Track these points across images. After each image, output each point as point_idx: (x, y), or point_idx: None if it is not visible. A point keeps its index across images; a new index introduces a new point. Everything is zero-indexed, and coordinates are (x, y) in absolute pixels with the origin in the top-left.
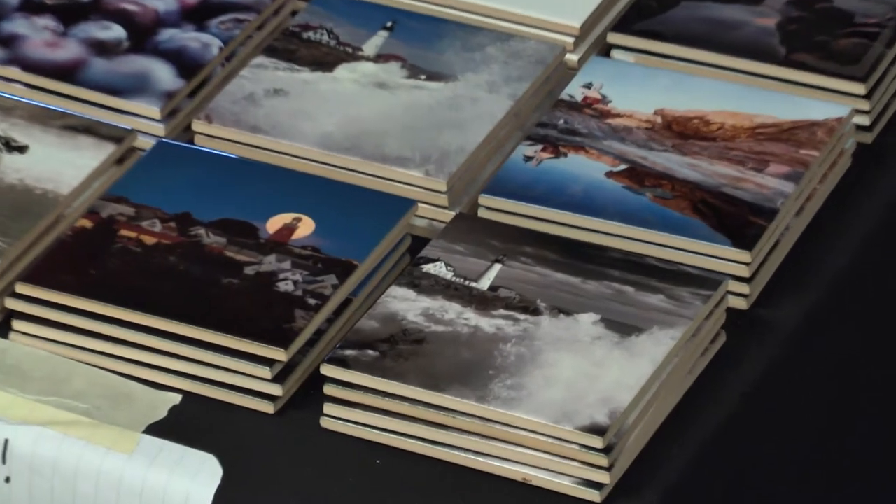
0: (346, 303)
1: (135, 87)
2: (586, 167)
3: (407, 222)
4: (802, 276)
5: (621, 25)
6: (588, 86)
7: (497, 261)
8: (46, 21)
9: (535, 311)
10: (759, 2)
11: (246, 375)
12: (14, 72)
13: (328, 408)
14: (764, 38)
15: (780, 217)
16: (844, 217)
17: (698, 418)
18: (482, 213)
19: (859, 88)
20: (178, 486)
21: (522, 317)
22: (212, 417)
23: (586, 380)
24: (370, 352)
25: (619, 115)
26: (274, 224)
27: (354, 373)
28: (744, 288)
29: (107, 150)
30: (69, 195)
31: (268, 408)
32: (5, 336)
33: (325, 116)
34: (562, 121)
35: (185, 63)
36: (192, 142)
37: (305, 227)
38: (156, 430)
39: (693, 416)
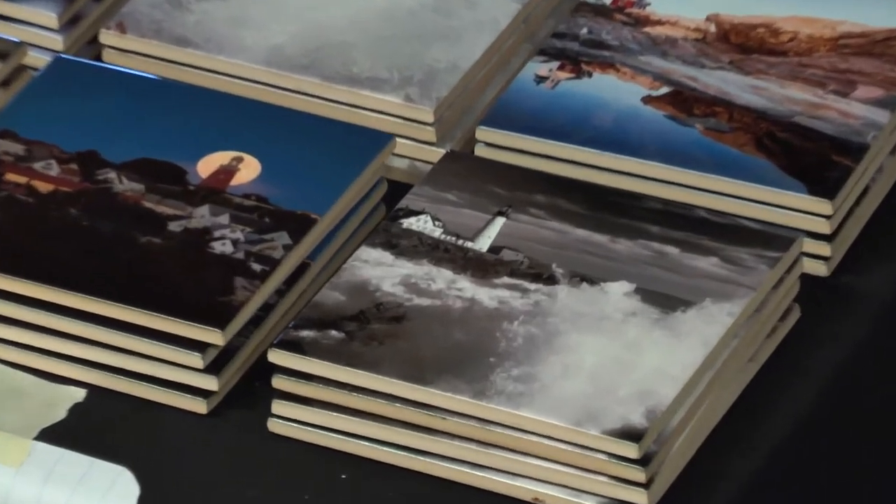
0: (301, 269)
1: None
2: (617, 90)
3: (381, 163)
4: None
5: None
6: None
7: (500, 213)
8: None
9: (550, 280)
10: None
11: (172, 365)
12: None
13: (278, 406)
14: None
15: (872, 155)
16: None
17: (765, 419)
18: (480, 150)
19: None
20: None
21: (533, 286)
22: (127, 419)
23: (617, 369)
24: (333, 332)
25: (659, 23)
26: (207, 166)
27: (312, 360)
28: (823, 248)
29: None
30: None
31: (200, 407)
32: None
33: (274, 25)
34: (585, 30)
35: None
36: (99, 58)
37: (248, 170)
38: (53, 435)
39: (757, 417)
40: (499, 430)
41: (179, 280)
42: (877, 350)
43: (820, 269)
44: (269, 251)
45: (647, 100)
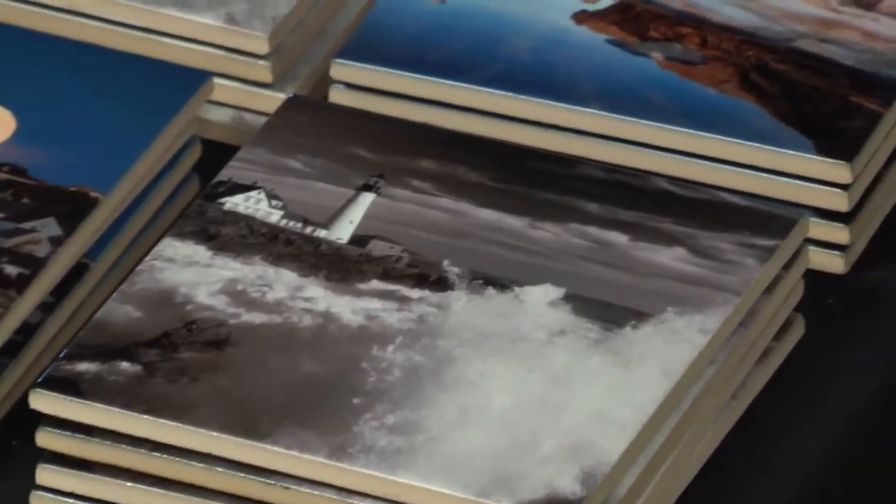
0: (78, 271)
1: None
2: (537, 4)
3: (193, 115)
4: None
5: None
6: None
7: (367, 188)
8: None
9: (441, 283)
10: None
11: None
12: None
13: (45, 474)
14: None
15: None
16: None
17: (755, 482)
18: (337, 94)
19: None
20: None
21: (417, 293)
22: None
23: (539, 413)
24: (125, 365)
25: None
26: None
27: (94, 405)
28: (839, 233)
29: None
30: None
31: None
32: None
33: None
34: None
35: None
36: None
37: None
38: None
39: (744, 478)
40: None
41: None
42: None
43: (835, 264)
44: (28, 247)
45: (582, 17)
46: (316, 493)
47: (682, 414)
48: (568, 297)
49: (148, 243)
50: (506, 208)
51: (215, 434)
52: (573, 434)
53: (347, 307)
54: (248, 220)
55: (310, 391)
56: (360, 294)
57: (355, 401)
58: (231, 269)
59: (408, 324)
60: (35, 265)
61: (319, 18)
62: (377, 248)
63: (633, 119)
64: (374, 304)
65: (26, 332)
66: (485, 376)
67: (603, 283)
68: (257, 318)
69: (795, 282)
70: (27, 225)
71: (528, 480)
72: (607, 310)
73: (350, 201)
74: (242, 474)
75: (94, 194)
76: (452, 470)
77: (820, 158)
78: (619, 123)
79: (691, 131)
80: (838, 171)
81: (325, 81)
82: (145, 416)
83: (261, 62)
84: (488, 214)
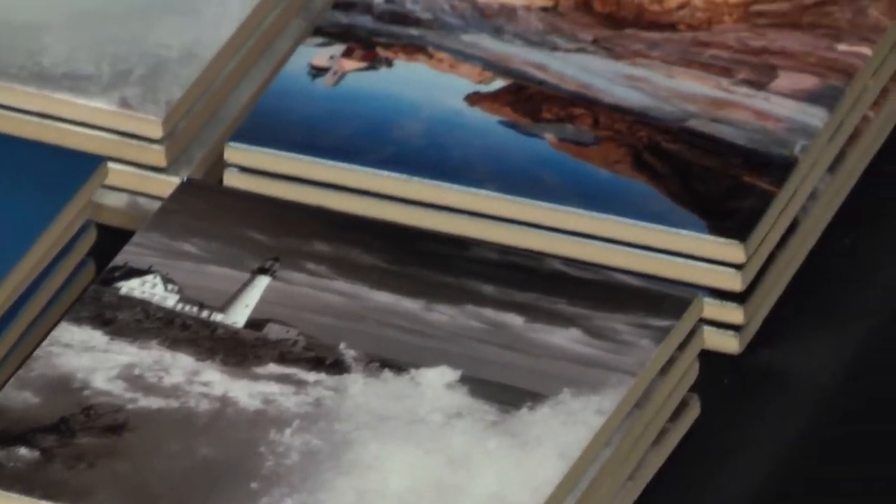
0: None
1: None
2: (430, 86)
3: (87, 200)
4: (844, 291)
5: None
6: None
7: (262, 271)
8: None
9: (338, 366)
10: None
11: None
12: None
13: None
14: None
15: (801, 175)
16: None
17: None
18: (232, 177)
19: None
20: None
21: (313, 377)
22: None
23: (437, 495)
24: (22, 451)
25: None
26: None
27: None
28: (734, 313)
29: None
30: None
31: None
32: None
33: None
34: None
35: None
36: None
37: None
38: None
39: None
40: None
41: None
42: (810, 460)
43: (730, 345)
44: None
45: (475, 99)
46: None
47: (578, 495)
48: (464, 380)
49: (44, 329)
50: (401, 291)
51: None
52: None
53: (244, 391)
54: (144, 305)
55: (207, 476)
56: (257, 378)
57: (253, 485)
58: (128, 353)
59: (305, 407)
60: None
61: (213, 102)
62: (273, 331)
63: (526, 200)
64: (271, 388)
65: None
66: (382, 459)
67: (499, 364)
68: (154, 402)
69: (690, 362)
70: None
71: None
72: (504, 391)
73: (246, 285)
74: None
75: None
76: None
77: (713, 238)
78: (512, 204)
79: (585, 212)
80: (731, 251)
81: (220, 165)
82: (43, 502)
83: (155, 146)
84: (384, 297)
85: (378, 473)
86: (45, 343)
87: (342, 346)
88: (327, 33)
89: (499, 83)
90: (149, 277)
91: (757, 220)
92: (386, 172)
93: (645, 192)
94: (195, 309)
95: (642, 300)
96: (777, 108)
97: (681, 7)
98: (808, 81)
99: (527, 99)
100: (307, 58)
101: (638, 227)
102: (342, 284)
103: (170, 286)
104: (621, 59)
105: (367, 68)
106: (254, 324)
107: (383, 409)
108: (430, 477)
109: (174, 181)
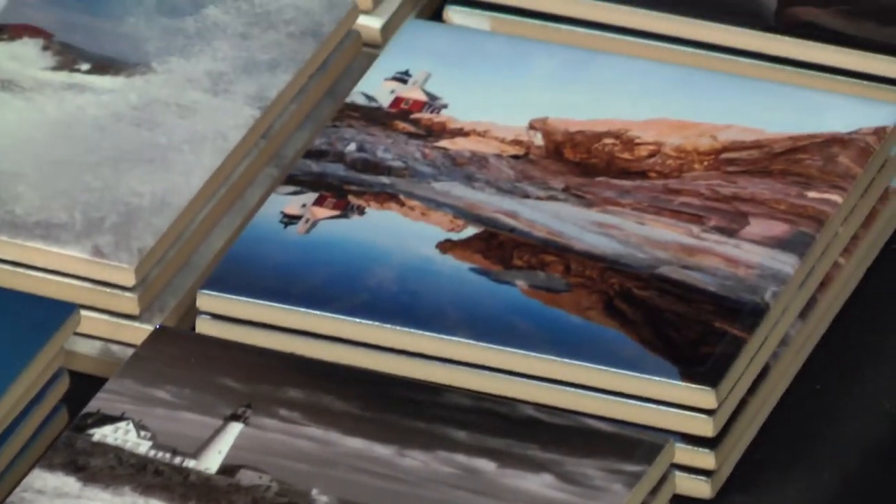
0: None
1: None
2: (401, 234)
3: (60, 347)
4: (816, 437)
5: None
6: (402, 76)
7: (235, 417)
8: None
9: None
10: None
11: None
12: None
13: None
14: None
15: (772, 321)
16: (891, 324)
17: None
18: (204, 325)
19: None
20: None
21: None
22: None
23: None
24: None
25: (462, 133)
26: None
27: None
28: (706, 460)
29: None
30: None
31: None
32: None
33: None
34: (353, 145)
35: None
36: None
37: None
38: None
39: None
40: None
41: None
42: None
43: (701, 489)
44: None
45: (447, 246)
46: None
47: None
48: None
49: (17, 475)
50: (373, 436)
51: None
52: None
53: None
54: (118, 452)
55: None
56: None
57: None
58: (101, 500)
59: None
60: None
61: (185, 250)
62: (246, 477)
63: (498, 347)
64: None
65: None
66: None
67: None
68: None
69: None
70: None
71: None
72: None
73: (218, 431)
74: None
75: None
76: None
77: (684, 384)
78: (484, 351)
79: (557, 359)
80: (703, 396)
81: (192, 312)
82: None
83: (127, 294)
84: (356, 443)
85: None
86: (18, 489)
87: (315, 491)
88: (299, 181)
89: (470, 231)
90: (122, 424)
91: (728, 367)
92: (358, 319)
93: (617, 339)
94: (168, 455)
95: (615, 445)
96: (748, 255)
97: (651, 155)
98: (778, 228)
99: (498, 246)
100: (279, 206)
101: (610, 374)
102: (315, 430)
103: (143, 433)
104: (592, 206)
105: (339, 216)
106: (227, 470)
107: None
108: None
109: (147, 329)
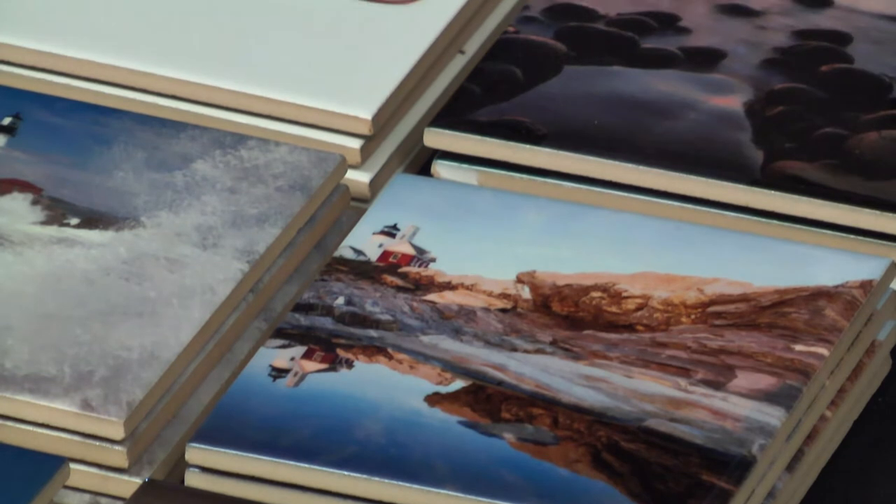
0: None
1: None
2: (389, 387)
3: (49, 500)
4: None
5: (448, 116)
6: (391, 231)
7: None
8: None
9: None
10: (712, 64)
11: None
12: None
13: None
14: (724, 132)
15: (759, 474)
16: (878, 476)
17: None
18: (193, 478)
19: None
20: None
21: None
22: None
23: None
24: None
25: (450, 287)
26: None
27: None
28: None
29: None
30: None
31: None
32: None
33: None
34: (342, 299)
35: None
36: None
37: None
38: None
39: None
40: None
41: None
42: None
43: None
44: None
45: (434, 399)
46: None
47: None
48: None
49: None
50: None
51: None
52: None
53: None
54: None
55: None
56: None
57: None
58: None
59: None
60: None
61: (174, 403)
62: None
63: (486, 499)
64: None
65: None
66: None
67: None
68: None
69: None
70: None
71: None
72: None
73: None
74: None
75: None
76: None
77: None
78: None
79: None
80: None
81: (181, 465)
82: None
83: (116, 447)
84: None
85: None
86: None
87: None
88: (288, 335)
89: (458, 384)
90: None
91: None
92: (346, 472)
93: (604, 491)
94: None
95: None
96: (735, 408)
97: (639, 308)
98: (765, 381)
99: (486, 399)
100: (268, 359)
101: None
102: None
103: None
104: (580, 359)
105: (328, 369)
106: None
107: None
108: None
109: (136, 482)
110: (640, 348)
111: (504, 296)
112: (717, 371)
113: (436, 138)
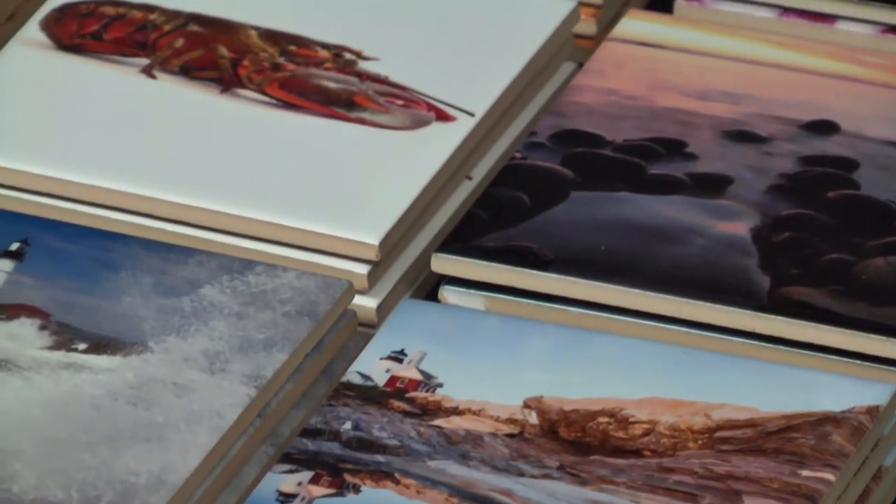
0: None
1: None
2: None
3: None
4: None
5: (455, 241)
6: (398, 356)
7: None
8: None
9: None
10: (719, 190)
11: None
12: None
13: None
14: (730, 257)
15: None
16: None
17: None
18: None
19: None
20: None
21: None
22: None
23: None
24: None
25: (457, 412)
26: None
27: None
28: None
29: None
30: None
31: None
32: None
33: None
34: (349, 424)
35: None
36: None
37: None
38: None
39: None
40: None
41: None
42: None
43: None
44: None
45: None
46: None
47: None
48: None
49: None
50: None
51: None
52: None
53: None
54: None
55: None
56: None
57: None
58: None
59: None
60: None
61: None
62: None
63: None
64: None
65: None
66: None
67: None
68: None
69: None
70: None
71: None
72: None
73: None
74: None
75: None
76: None
77: None
78: None
79: None
80: None
81: None
82: None
83: None
84: None
85: None
86: None
87: None
88: (295, 460)
89: None
90: None
91: None
92: None
93: None
94: None
95: None
96: None
97: (646, 434)
98: None
99: None
100: (275, 484)
101: None
102: None
103: None
104: (587, 484)
105: (335, 495)
106: None
107: None
108: None
109: None
110: (648, 473)
111: (511, 421)
112: (725, 496)
113: (443, 264)
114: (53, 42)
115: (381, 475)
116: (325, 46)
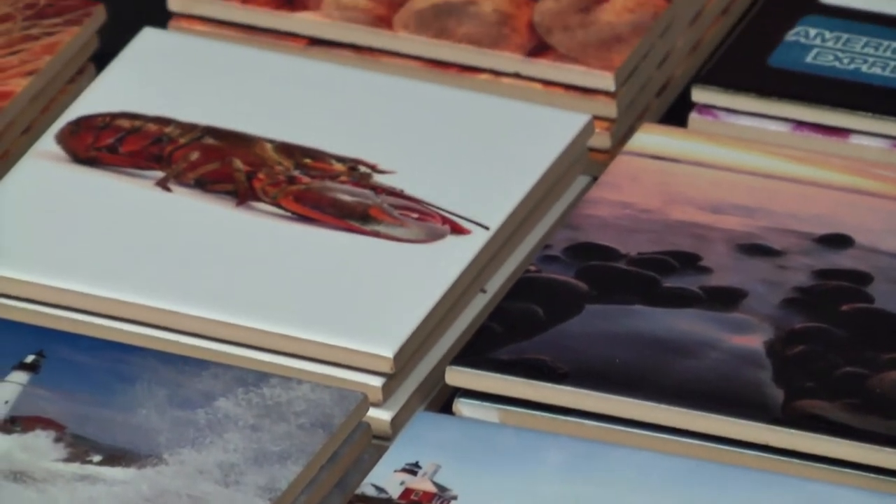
0: None
1: None
2: None
3: None
4: None
5: (470, 354)
6: (412, 468)
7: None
8: None
9: None
10: (733, 303)
11: None
12: None
13: None
14: (744, 371)
15: None
16: None
17: None
18: None
19: None
20: None
21: None
22: None
23: None
24: None
25: None
26: None
27: None
28: None
29: None
30: None
31: None
32: None
33: None
34: None
35: None
36: None
37: None
38: None
39: None
40: None
41: None
42: None
43: None
44: None
45: None
46: None
47: None
48: None
49: None
50: None
51: None
52: None
53: None
54: None
55: None
56: None
57: None
58: None
59: None
60: None
61: None
62: None
63: None
64: None
65: None
66: None
67: None
68: None
69: None
70: None
71: None
72: None
73: None
74: None
75: None
76: None
77: None
78: None
79: None
80: None
81: None
82: None
83: None
84: None
85: None
86: None
87: None
88: None
89: None
90: None
91: None
92: None
93: None
94: None
95: None
96: None
97: None
98: None
99: None
100: None
101: None
102: None
103: None
104: None
105: None
106: None
107: None
108: None
109: None
110: None
111: None
112: None
113: (457, 377)
114: (69, 155)
115: None
116: (341, 160)
